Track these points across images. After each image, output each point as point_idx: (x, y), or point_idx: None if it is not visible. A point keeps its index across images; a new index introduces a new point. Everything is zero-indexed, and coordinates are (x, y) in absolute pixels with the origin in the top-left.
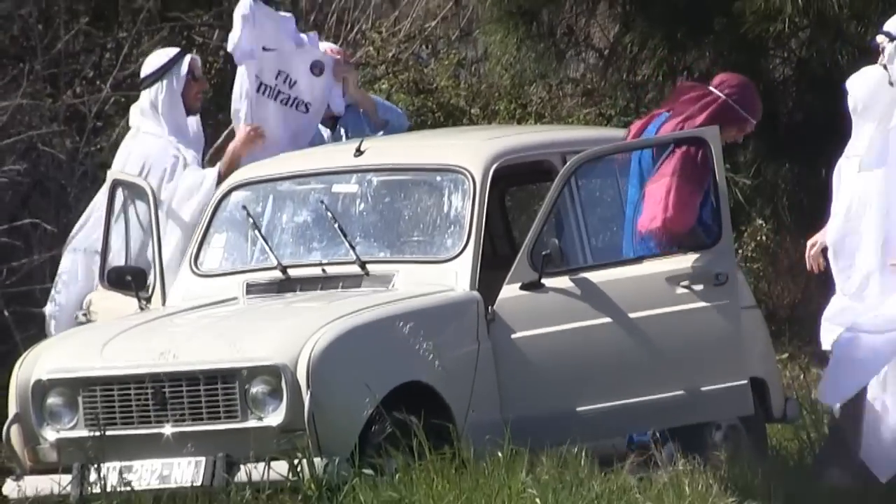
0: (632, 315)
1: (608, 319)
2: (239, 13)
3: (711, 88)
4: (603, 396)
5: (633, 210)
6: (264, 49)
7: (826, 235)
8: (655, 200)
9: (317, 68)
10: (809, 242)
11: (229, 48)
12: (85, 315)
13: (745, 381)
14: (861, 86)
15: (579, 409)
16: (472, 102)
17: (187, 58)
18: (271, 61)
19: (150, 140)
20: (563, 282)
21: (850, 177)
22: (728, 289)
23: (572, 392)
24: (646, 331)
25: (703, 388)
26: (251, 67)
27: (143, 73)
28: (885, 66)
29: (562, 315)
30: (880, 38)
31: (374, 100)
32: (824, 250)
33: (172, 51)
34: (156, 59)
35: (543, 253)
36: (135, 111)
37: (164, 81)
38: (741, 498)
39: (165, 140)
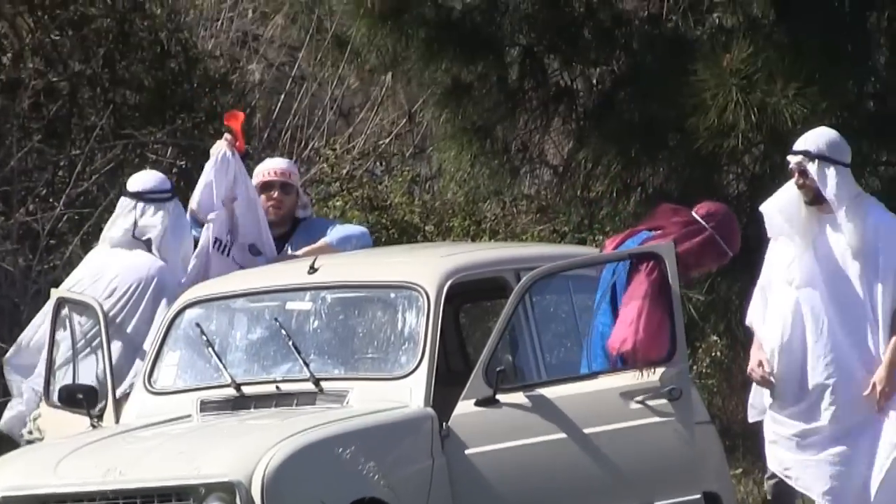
0: (587, 430)
1: (563, 435)
2: (211, 167)
3: (697, 217)
4: None
5: (600, 325)
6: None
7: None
8: (626, 322)
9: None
10: (755, 362)
11: (192, 205)
12: (30, 433)
13: (699, 496)
14: (778, 209)
15: None
16: (426, 219)
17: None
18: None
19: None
20: (518, 398)
21: (779, 299)
22: (682, 404)
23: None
24: (600, 446)
25: (658, 503)
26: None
27: (147, 186)
28: (799, 186)
29: (517, 431)
30: (796, 159)
31: (328, 242)
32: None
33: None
34: (159, 178)
35: (498, 369)
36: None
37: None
38: None
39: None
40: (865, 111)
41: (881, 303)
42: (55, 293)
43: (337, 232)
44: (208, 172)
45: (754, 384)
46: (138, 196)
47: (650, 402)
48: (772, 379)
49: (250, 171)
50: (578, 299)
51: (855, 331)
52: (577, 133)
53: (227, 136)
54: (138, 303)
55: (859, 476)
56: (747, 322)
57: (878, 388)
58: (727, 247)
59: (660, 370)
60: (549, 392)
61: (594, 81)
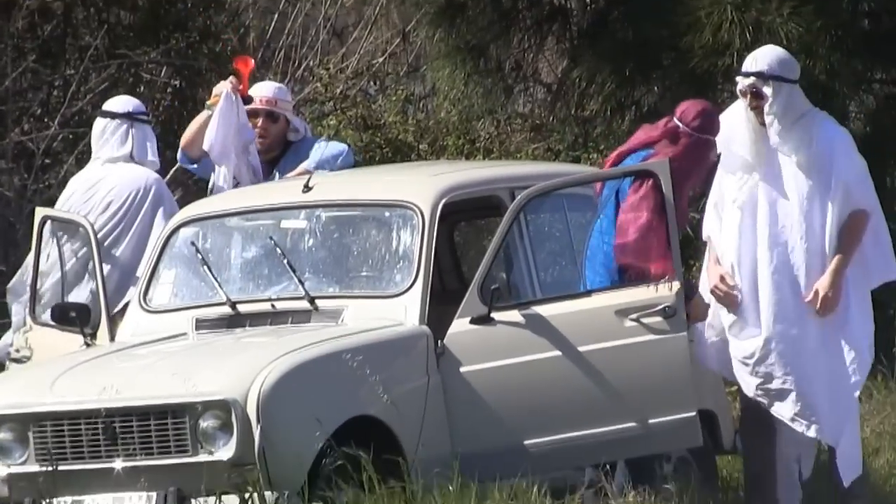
0: (581, 348)
1: (558, 353)
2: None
3: (678, 123)
4: (553, 430)
5: (603, 244)
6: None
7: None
8: (628, 233)
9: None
10: (716, 277)
11: (205, 146)
12: (17, 351)
13: (693, 413)
14: (731, 138)
15: (529, 442)
16: (420, 138)
17: None
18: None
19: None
20: (513, 316)
21: (730, 219)
22: (676, 321)
23: (522, 426)
24: (595, 364)
25: (653, 421)
26: (229, 168)
27: (130, 108)
28: (752, 108)
29: (511, 349)
30: (748, 81)
31: (306, 168)
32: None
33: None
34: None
35: (493, 287)
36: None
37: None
38: None
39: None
40: (860, 29)
41: (831, 217)
42: (40, 211)
43: (315, 154)
44: (217, 116)
45: (711, 302)
46: (129, 116)
47: (645, 320)
48: (737, 293)
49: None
50: (573, 218)
51: (807, 251)
52: (571, 52)
53: (231, 78)
54: (136, 212)
55: (822, 398)
56: (704, 237)
57: (821, 293)
58: (714, 136)
59: (660, 286)
60: (544, 310)
61: (587, 0)
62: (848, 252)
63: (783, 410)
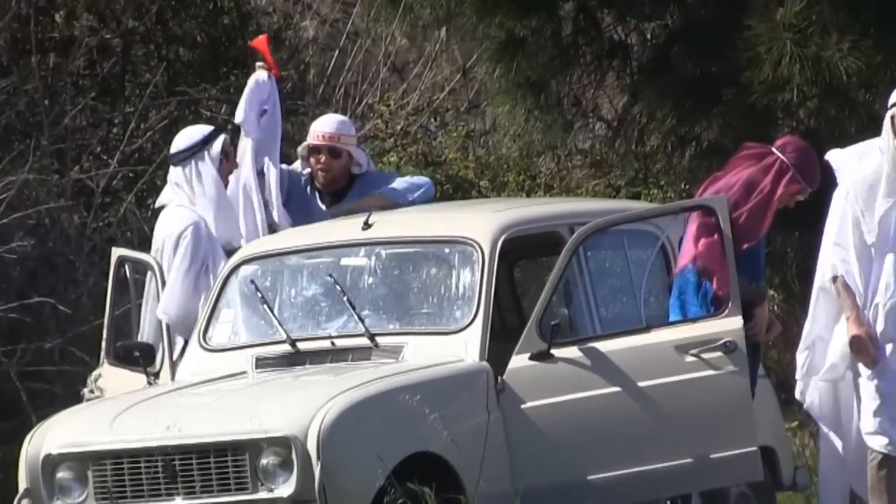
0: (641, 384)
1: (618, 388)
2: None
3: (773, 150)
4: (614, 465)
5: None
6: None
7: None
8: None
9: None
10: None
11: (237, 119)
12: (91, 392)
13: (754, 448)
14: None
15: (590, 477)
16: (480, 174)
17: (221, 136)
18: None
19: (178, 211)
20: (573, 352)
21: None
22: (737, 356)
23: (583, 461)
24: (655, 399)
25: (713, 455)
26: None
27: (174, 149)
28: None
29: (571, 385)
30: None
31: (383, 192)
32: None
33: (206, 129)
34: (187, 137)
35: (552, 323)
36: (167, 189)
37: (196, 159)
38: None
39: (191, 211)
40: None
41: None
42: (115, 251)
43: (398, 182)
44: (244, 98)
45: (810, 350)
46: (172, 159)
47: (705, 355)
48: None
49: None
50: (633, 254)
51: None
52: (632, 87)
53: (258, 64)
54: (168, 260)
55: None
56: (838, 282)
57: None
58: (804, 180)
59: (715, 322)
60: (604, 346)
61: (648, 36)
62: None
63: None
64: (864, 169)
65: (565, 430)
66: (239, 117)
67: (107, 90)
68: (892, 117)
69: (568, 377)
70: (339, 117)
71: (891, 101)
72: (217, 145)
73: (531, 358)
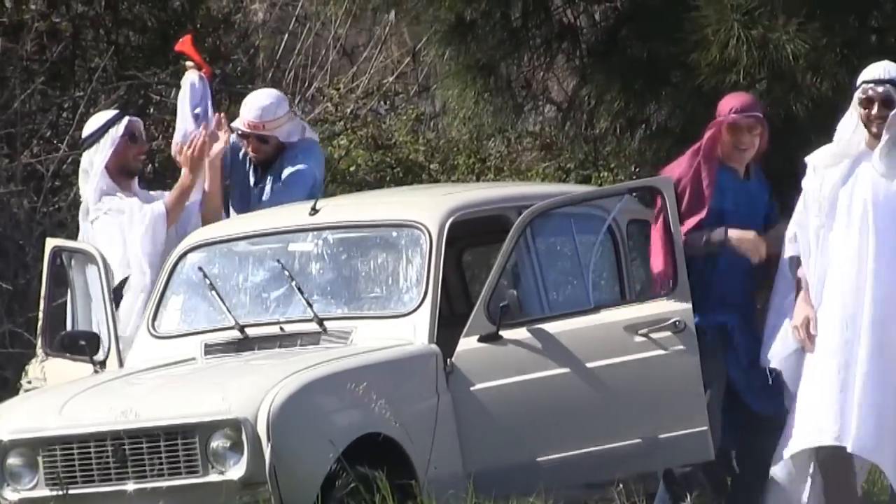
0: (590, 364)
1: (567, 369)
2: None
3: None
4: (564, 446)
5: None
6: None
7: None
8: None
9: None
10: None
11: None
12: (29, 383)
13: (705, 428)
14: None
15: (541, 459)
16: (431, 158)
17: (124, 120)
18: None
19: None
20: (521, 333)
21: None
22: (686, 336)
23: (533, 442)
24: (605, 379)
25: (664, 436)
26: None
27: (83, 135)
28: (875, 118)
29: (520, 366)
30: (881, 88)
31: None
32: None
33: (111, 112)
34: (95, 121)
35: (501, 305)
36: (81, 174)
37: (100, 143)
38: None
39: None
40: (868, 46)
41: None
42: (50, 242)
43: (287, 177)
44: (180, 105)
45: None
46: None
47: (654, 335)
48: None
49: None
50: (581, 237)
51: None
52: (581, 70)
53: (188, 64)
54: None
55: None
56: (793, 263)
57: None
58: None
59: (663, 302)
60: (552, 327)
61: (597, 18)
62: None
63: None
64: (829, 147)
65: (515, 412)
66: (179, 133)
67: (56, 75)
68: (862, 96)
69: (517, 359)
70: (263, 101)
71: (859, 80)
72: (119, 128)
73: (480, 340)
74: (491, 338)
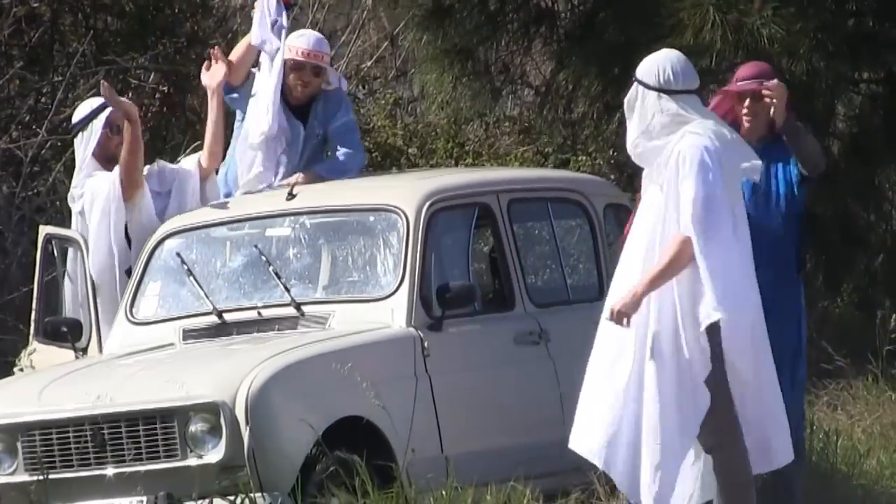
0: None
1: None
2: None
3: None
4: (544, 431)
5: None
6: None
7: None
8: None
9: None
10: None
11: (254, 41)
12: (22, 370)
13: None
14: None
15: (519, 442)
16: (409, 142)
17: (107, 111)
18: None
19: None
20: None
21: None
22: None
23: (513, 427)
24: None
25: None
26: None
27: (73, 121)
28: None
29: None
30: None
31: (318, 174)
32: None
33: (97, 101)
34: (82, 109)
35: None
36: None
37: (85, 133)
38: None
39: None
40: (843, 30)
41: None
42: (42, 230)
43: (329, 165)
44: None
45: None
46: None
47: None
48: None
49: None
50: (559, 224)
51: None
52: (559, 54)
53: None
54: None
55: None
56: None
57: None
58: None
59: None
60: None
61: (574, 2)
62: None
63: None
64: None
65: (494, 395)
66: (256, 40)
67: (35, 59)
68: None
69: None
70: (317, 34)
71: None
72: (100, 119)
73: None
74: (436, 326)
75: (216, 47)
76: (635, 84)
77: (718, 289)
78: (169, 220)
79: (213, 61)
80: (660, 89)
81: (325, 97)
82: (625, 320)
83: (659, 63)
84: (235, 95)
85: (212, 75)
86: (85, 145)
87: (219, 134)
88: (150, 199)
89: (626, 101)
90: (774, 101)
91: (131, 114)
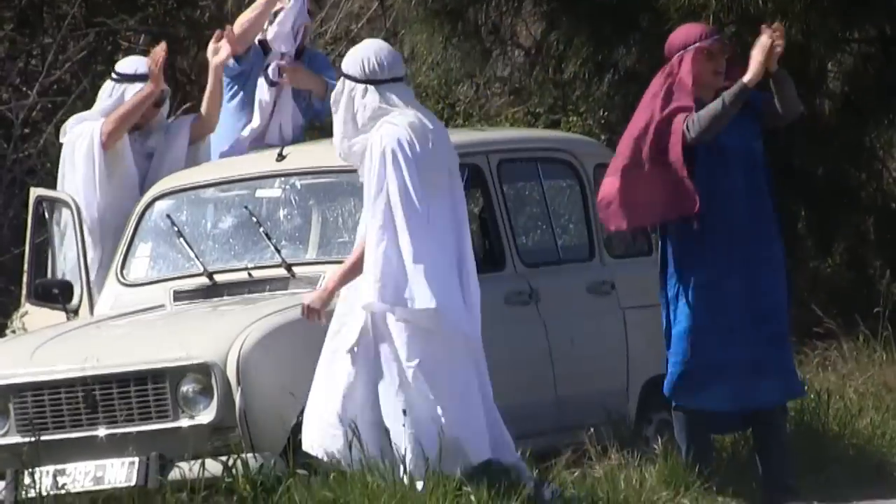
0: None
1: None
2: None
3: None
4: (532, 391)
5: None
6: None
7: None
8: None
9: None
10: None
11: (269, 36)
12: (14, 332)
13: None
14: None
15: (513, 403)
16: None
17: (141, 85)
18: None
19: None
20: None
21: None
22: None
23: (504, 388)
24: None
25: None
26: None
27: (120, 69)
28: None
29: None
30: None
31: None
32: None
33: (141, 66)
34: (134, 64)
35: None
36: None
37: (118, 87)
38: (675, 491)
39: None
40: None
41: None
42: (33, 192)
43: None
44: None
45: None
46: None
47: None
48: None
49: None
50: (548, 184)
51: None
52: (549, 14)
53: None
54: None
55: None
56: None
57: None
58: (685, 49)
59: None
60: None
61: None
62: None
63: None
64: None
65: (486, 357)
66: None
67: (25, 21)
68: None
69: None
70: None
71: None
72: (134, 87)
73: None
74: None
75: (228, 27)
76: (342, 79)
77: (389, 278)
78: (159, 182)
79: (224, 41)
80: (367, 80)
81: (310, 56)
82: (315, 317)
83: (363, 55)
84: (234, 64)
85: (217, 54)
86: (107, 97)
87: (214, 103)
88: (130, 149)
89: (331, 97)
90: (781, 43)
91: (151, 94)
